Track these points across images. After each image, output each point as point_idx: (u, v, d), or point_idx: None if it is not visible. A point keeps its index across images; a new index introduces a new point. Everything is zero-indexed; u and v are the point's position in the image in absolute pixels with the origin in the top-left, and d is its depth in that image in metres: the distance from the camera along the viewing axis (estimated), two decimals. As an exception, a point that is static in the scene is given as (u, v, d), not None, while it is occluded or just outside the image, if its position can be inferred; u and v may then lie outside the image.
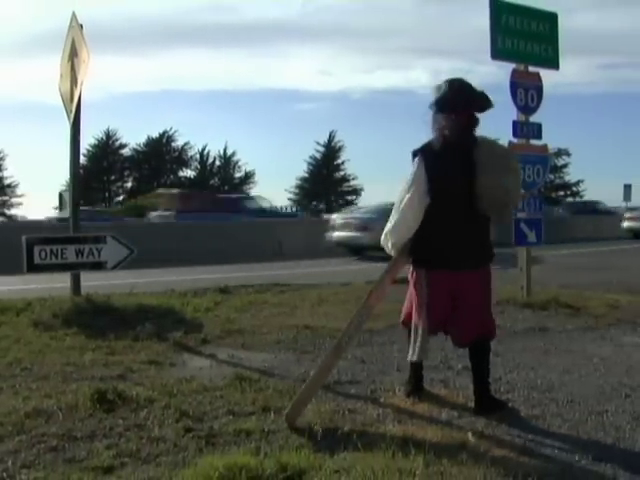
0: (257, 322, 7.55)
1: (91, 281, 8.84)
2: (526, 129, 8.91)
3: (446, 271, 4.24)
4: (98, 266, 8.13)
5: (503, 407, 4.35)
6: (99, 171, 66.95)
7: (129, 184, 70.89)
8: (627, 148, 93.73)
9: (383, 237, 4.42)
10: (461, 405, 4.44)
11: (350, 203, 66.22)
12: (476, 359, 4.35)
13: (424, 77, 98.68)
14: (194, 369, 5.48)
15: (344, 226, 18.67)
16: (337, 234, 18.77)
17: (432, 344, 4.77)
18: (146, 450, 3.62)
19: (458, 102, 4.22)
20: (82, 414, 4.19)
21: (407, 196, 4.26)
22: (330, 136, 70.21)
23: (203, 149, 70.80)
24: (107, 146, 69.11)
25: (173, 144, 71.04)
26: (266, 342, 6.55)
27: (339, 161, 70.82)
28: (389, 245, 4.40)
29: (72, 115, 8.05)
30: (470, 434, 3.85)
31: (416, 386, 4.66)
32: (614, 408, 4.40)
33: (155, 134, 70.31)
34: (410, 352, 4.42)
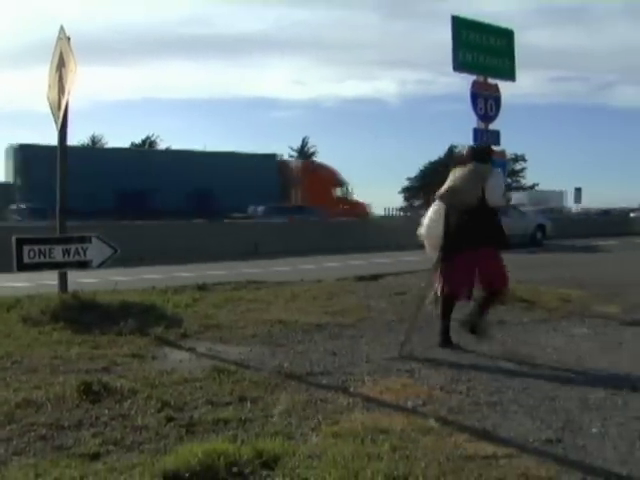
0: (234, 317, 7.54)
1: (77, 278, 8.76)
2: (486, 136, 9.03)
3: (469, 250, 5.72)
4: (84, 265, 8.05)
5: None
6: (84, 175, 66.04)
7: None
8: (577, 154, 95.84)
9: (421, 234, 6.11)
10: (426, 393, 4.49)
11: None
12: (487, 297, 5.90)
13: (391, 87, 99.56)
14: (174, 362, 5.48)
15: None
16: None
17: (398, 338, 4.83)
18: (130, 438, 3.62)
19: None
20: (69, 405, 4.18)
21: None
22: (303, 142, 70.00)
23: (183, 154, 70.14)
24: (92, 151, 68.25)
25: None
26: (242, 336, 6.55)
27: (311, 166, 70.53)
28: (423, 242, 6.15)
29: (59, 122, 7.98)
30: (433, 420, 3.90)
31: (445, 338, 5.90)
32: (564, 394, 4.50)
33: (138, 140, 69.46)
34: (432, 295, 6.00)
